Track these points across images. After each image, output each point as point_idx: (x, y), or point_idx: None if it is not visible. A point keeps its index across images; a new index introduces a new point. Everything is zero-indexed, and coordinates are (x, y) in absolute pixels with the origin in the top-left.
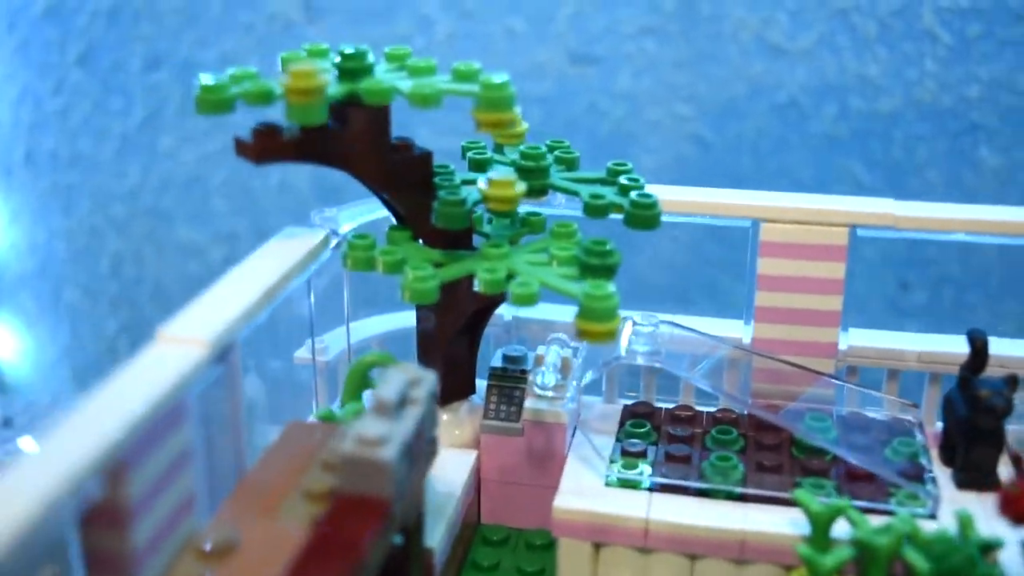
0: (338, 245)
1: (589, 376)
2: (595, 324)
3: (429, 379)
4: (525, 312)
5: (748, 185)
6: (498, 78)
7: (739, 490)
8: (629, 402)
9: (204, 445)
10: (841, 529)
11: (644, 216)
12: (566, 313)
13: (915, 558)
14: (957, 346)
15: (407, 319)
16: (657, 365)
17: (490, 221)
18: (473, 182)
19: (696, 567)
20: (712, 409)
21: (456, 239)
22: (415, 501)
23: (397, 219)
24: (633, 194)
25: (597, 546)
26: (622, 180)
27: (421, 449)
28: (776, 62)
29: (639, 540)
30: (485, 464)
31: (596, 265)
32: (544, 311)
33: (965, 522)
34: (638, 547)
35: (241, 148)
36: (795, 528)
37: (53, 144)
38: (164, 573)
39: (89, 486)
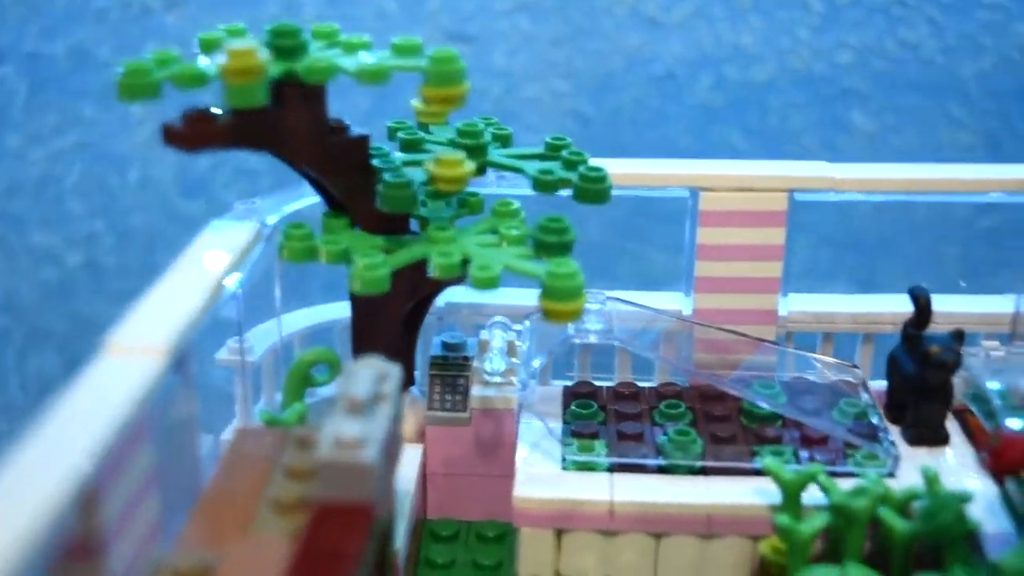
0: (269, 238)
1: (539, 361)
2: (562, 303)
3: (395, 372)
4: (456, 297)
5: (628, 156)
6: (446, 51)
7: (700, 464)
8: (568, 383)
9: (158, 467)
10: (807, 496)
11: (595, 190)
12: (498, 296)
13: (891, 518)
14: (889, 305)
15: (333, 311)
16: (613, 343)
17: (424, 203)
18: (413, 163)
19: (662, 545)
20: (653, 384)
21: (394, 224)
22: (389, 503)
23: (330, 206)
24: (582, 168)
25: (559, 533)
26: (565, 154)
27: (393, 447)
28: (651, 34)
29: (604, 523)
30: (431, 457)
31: (553, 243)
32: (476, 295)
33: (932, 479)
34: (602, 530)
35: (171, 136)
36: (761, 498)
37: None
38: None
39: (63, 522)
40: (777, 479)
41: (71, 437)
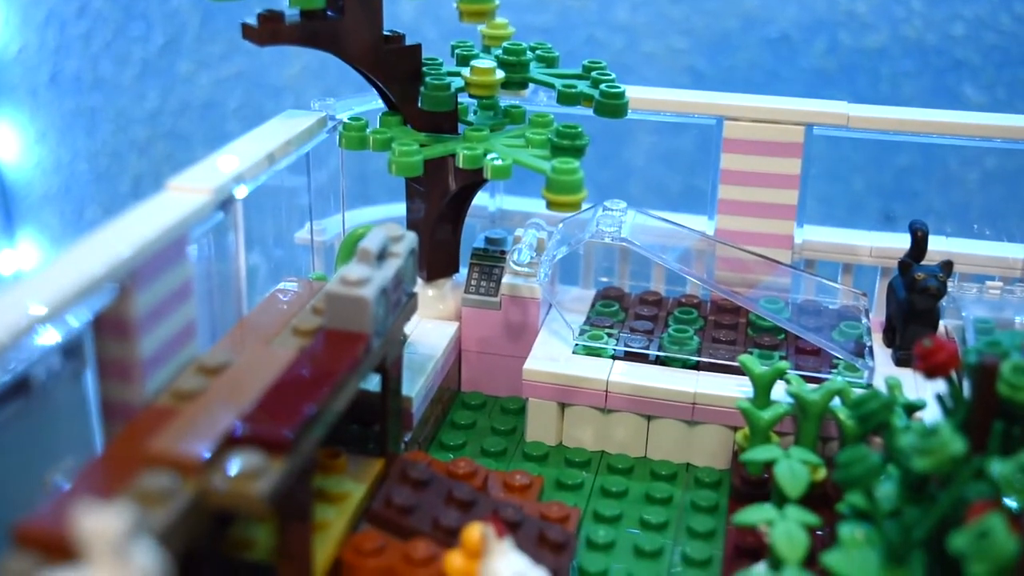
0: (334, 129)
1: (564, 251)
2: (560, 196)
3: (409, 237)
4: (509, 204)
5: None
6: None
7: (694, 359)
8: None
9: (208, 292)
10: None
11: (612, 105)
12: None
13: (839, 410)
14: (907, 243)
15: (398, 209)
16: (623, 245)
17: (475, 112)
18: (458, 73)
19: (652, 427)
20: (678, 295)
21: (441, 125)
22: (393, 342)
23: (389, 107)
24: (603, 85)
25: (562, 406)
26: (594, 74)
27: (400, 299)
28: None
29: (600, 401)
30: (466, 336)
31: (566, 146)
32: (526, 204)
33: (893, 385)
34: (599, 407)
35: (248, 32)
36: (743, 393)
37: (76, 67)
38: (168, 383)
39: (101, 294)
40: (750, 373)
41: (117, 237)
